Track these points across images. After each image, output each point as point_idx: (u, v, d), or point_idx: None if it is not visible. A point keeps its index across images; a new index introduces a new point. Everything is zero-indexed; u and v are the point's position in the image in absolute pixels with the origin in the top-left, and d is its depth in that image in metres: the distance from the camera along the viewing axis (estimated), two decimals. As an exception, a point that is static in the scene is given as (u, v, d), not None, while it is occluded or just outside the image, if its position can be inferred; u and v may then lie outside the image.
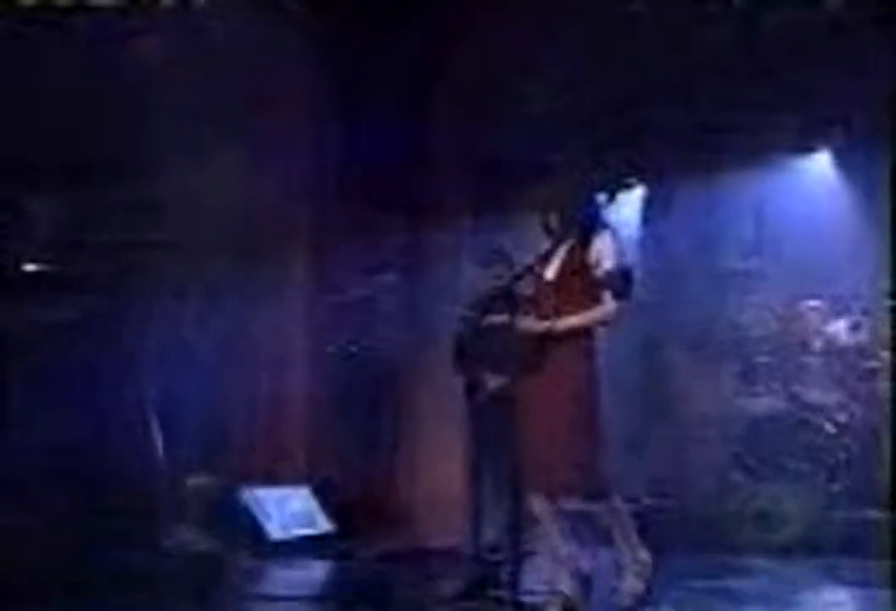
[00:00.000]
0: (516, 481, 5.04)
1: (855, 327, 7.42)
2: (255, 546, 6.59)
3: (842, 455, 6.99)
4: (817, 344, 7.51)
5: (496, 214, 7.64)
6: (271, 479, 7.03)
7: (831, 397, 7.25)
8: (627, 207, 8.72)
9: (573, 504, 5.03)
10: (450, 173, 8.29)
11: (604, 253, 4.86)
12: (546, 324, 4.90)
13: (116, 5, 6.67)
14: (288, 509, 6.93)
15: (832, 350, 7.42)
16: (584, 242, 4.92)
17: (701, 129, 8.02)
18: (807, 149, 8.25)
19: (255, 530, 6.68)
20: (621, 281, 4.83)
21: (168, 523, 6.30)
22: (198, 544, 6.27)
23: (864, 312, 7.48)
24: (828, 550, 6.45)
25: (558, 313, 4.90)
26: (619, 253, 4.91)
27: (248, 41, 7.15)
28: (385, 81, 7.74)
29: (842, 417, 7.17)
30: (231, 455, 7.03)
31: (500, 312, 5.24)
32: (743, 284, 7.98)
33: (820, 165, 8.47)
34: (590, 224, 4.98)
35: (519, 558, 5.20)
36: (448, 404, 6.77)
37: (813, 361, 7.40)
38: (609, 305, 4.84)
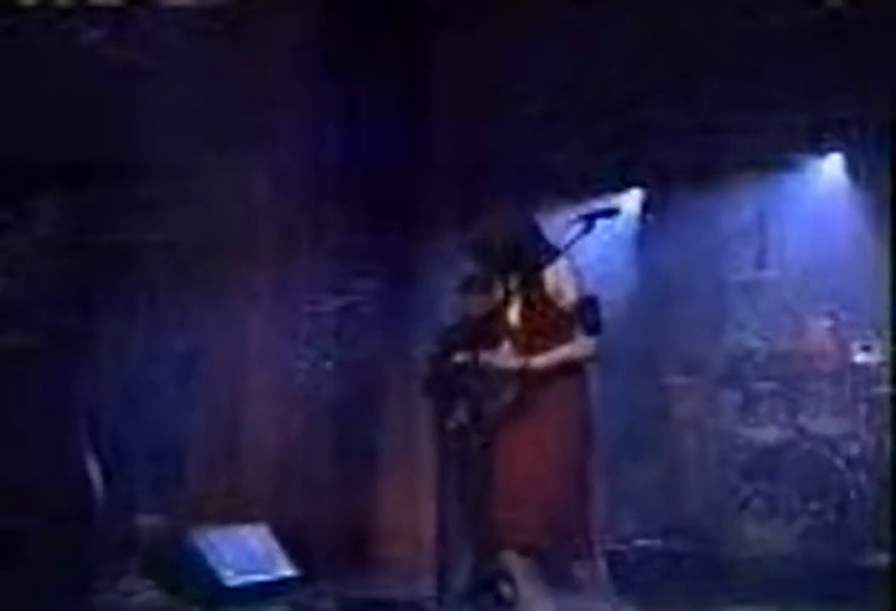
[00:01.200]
0: (482, 534, 4.58)
1: (866, 349, 6.89)
2: (209, 595, 6.06)
3: (852, 493, 6.48)
4: (826, 367, 6.97)
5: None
6: (228, 518, 6.50)
7: (840, 427, 6.73)
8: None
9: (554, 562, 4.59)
10: (440, 179, 7.83)
11: (561, 284, 4.50)
12: (520, 360, 4.53)
13: (116, 5, 6.42)
14: (245, 552, 6.36)
15: (842, 374, 6.87)
16: (537, 272, 4.54)
17: (702, 129, 7.52)
18: (817, 150, 7.77)
19: (208, 577, 6.10)
20: (589, 313, 4.46)
21: (106, 572, 5.80)
22: (141, 596, 5.77)
23: (878, 333, 6.95)
24: (833, 601, 5.90)
25: (531, 350, 4.52)
26: (579, 282, 4.54)
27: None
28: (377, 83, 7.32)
29: (852, 450, 6.65)
30: (183, 492, 6.53)
31: (467, 348, 4.78)
32: (747, 299, 7.49)
33: (831, 167, 8.01)
34: (538, 254, 4.57)
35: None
36: (427, 432, 6.41)
37: (821, 387, 6.84)
38: (583, 340, 4.49)
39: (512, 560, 4.55)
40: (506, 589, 5.20)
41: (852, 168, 7.69)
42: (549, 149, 7.56)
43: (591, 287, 4.60)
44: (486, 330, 4.82)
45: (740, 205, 7.72)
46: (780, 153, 7.58)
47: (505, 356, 4.61)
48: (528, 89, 7.61)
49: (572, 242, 4.44)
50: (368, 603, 5.93)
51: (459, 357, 4.78)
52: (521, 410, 4.53)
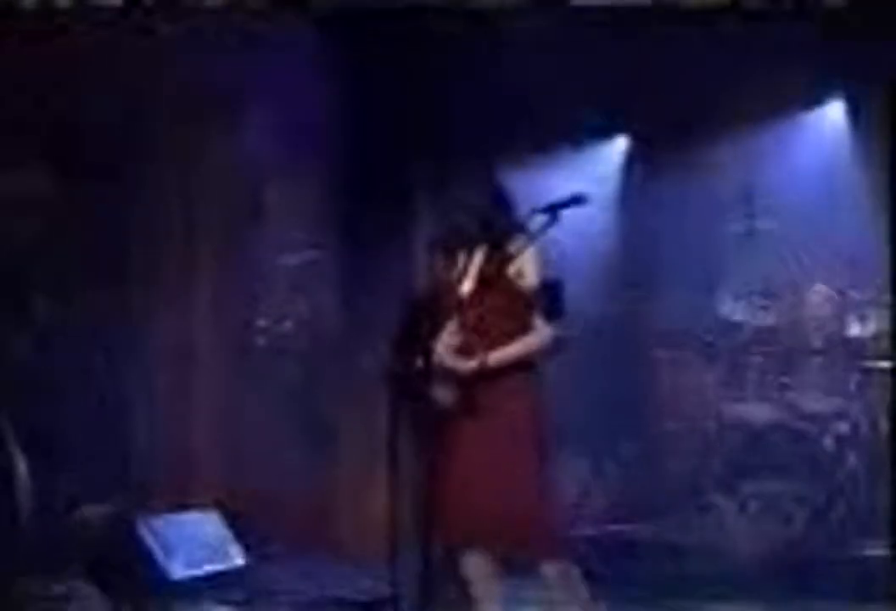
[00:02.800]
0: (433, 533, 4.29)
1: (862, 320, 6.52)
2: (155, 591, 5.76)
3: (841, 476, 6.16)
4: (819, 340, 6.63)
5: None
6: (176, 504, 6.19)
7: (831, 404, 6.39)
8: (604, 163, 7.90)
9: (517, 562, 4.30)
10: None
11: (524, 263, 4.17)
12: (474, 363, 4.20)
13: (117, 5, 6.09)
14: (195, 541, 6.03)
15: (835, 347, 6.53)
16: (500, 248, 4.29)
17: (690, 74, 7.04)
18: (818, 99, 7.31)
19: (154, 570, 5.78)
20: (550, 299, 4.18)
21: (39, 571, 5.47)
22: (79, 594, 5.48)
23: (876, 301, 6.55)
24: (822, 594, 5.59)
25: (482, 334, 4.24)
26: (543, 264, 4.23)
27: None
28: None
29: (843, 428, 6.32)
30: (126, 477, 6.21)
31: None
32: (738, 259, 7.09)
33: (833, 115, 7.56)
34: (505, 227, 4.30)
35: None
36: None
37: (812, 361, 6.52)
38: (543, 330, 4.20)
39: (471, 563, 4.31)
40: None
41: (853, 115, 7.33)
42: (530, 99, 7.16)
43: (555, 272, 4.28)
44: (435, 308, 4.48)
45: (734, 156, 7.34)
46: (778, 99, 7.18)
47: (456, 357, 4.28)
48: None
49: (538, 233, 4.11)
50: (322, 601, 5.66)
51: (413, 355, 4.44)
52: (469, 407, 4.22)
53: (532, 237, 4.13)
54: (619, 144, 7.88)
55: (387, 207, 6.95)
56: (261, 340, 7.35)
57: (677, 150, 7.26)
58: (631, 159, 7.67)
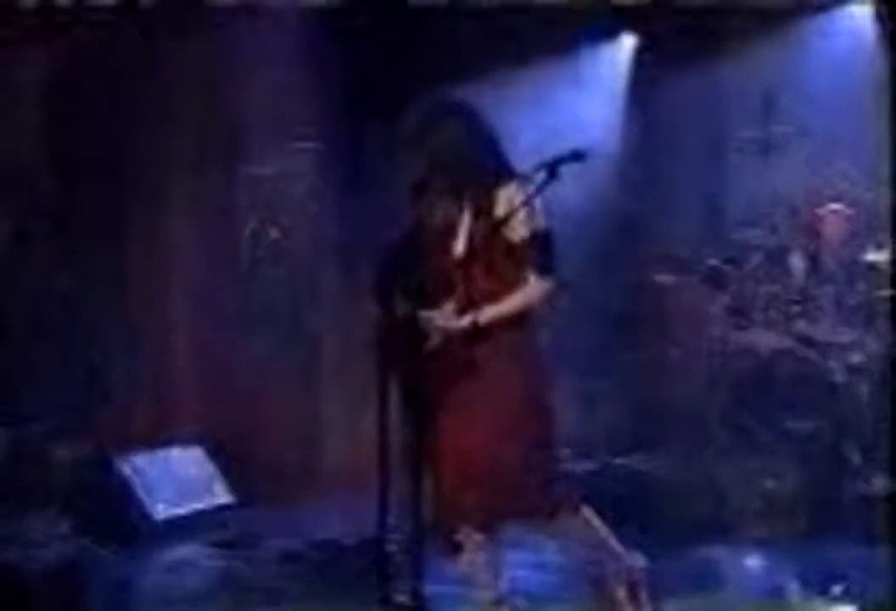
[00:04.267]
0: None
1: (880, 246, 6.22)
2: (136, 532, 5.64)
3: (851, 409, 5.95)
4: (831, 263, 6.33)
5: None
6: (157, 440, 6.03)
7: (843, 334, 6.13)
8: (610, 63, 7.51)
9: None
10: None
11: (514, 211, 3.96)
12: (465, 320, 3.99)
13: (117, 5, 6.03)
14: (177, 479, 5.93)
15: (850, 273, 6.23)
16: (488, 198, 4.02)
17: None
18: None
19: (135, 510, 5.69)
20: (540, 251, 3.99)
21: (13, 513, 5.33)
22: (58, 536, 5.33)
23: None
24: (829, 537, 5.47)
25: (476, 297, 3.99)
26: (533, 214, 4.01)
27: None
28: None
29: (855, 359, 6.07)
30: (105, 413, 6.00)
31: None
32: (749, 169, 6.74)
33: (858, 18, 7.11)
34: (493, 173, 4.04)
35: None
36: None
37: (825, 286, 6.18)
38: (535, 284, 4.03)
39: (464, 531, 4.11)
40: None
41: (880, 21, 6.88)
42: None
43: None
44: (430, 269, 4.23)
45: (749, 57, 6.95)
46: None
47: (447, 314, 4.04)
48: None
49: (535, 192, 3.85)
50: (311, 544, 5.52)
51: (400, 309, 4.20)
52: (462, 365, 4.01)
53: (530, 196, 3.87)
54: (626, 44, 7.58)
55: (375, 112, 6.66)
56: (245, 259, 7.15)
57: (687, 52, 6.91)
58: (638, 62, 7.34)
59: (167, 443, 6.04)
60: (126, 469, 5.79)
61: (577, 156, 3.73)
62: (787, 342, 6.13)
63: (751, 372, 6.11)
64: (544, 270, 3.96)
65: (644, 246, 6.74)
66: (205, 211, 6.71)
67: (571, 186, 3.99)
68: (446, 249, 4.12)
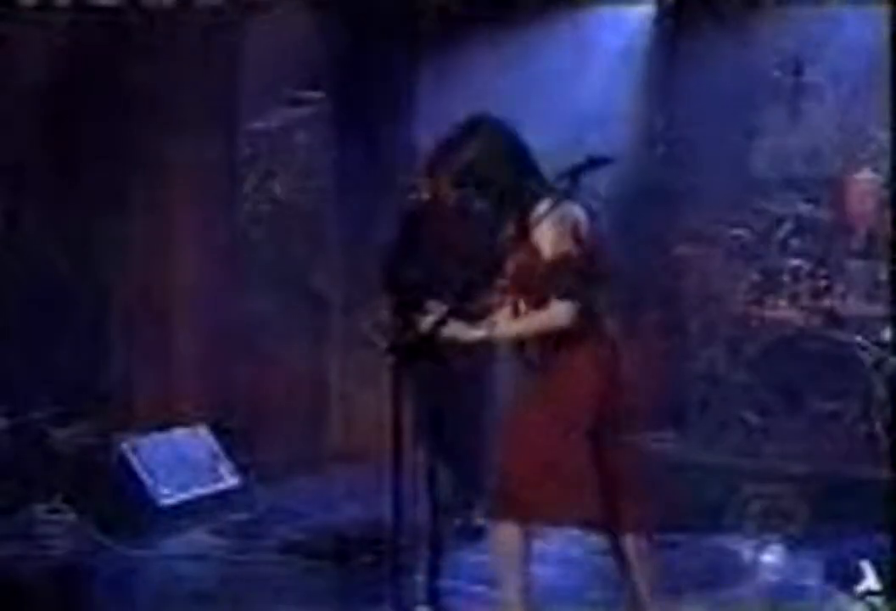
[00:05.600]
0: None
1: (911, 215, 6.00)
2: (141, 519, 5.47)
3: (880, 388, 5.80)
4: (862, 235, 6.14)
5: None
6: (160, 421, 5.85)
7: (873, 309, 5.96)
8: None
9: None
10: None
11: (542, 235, 3.84)
12: (480, 332, 3.93)
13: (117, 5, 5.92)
14: (183, 462, 5.76)
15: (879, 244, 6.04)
16: (522, 217, 3.89)
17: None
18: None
19: (140, 497, 5.53)
20: (565, 274, 3.83)
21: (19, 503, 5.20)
22: (56, 526, 5.22)
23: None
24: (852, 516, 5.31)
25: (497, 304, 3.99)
26: (563, 231, 3.85)
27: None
28: None
29: (885, 335, 5.88)
30: (106, 394, 5.83)
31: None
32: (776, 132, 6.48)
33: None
34: (524, 190, 3.90)
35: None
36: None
37: (851, 260, 6.03)
38: (556, 307, 3.88)
39: (504, 533, 4.01)
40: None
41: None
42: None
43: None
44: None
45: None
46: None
47: (461, 326, 3.91)
48: None
49: (557, 202, 3.71)
50: (319, 533, 5.41)
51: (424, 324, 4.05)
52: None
53: (552, 206, 3.73)
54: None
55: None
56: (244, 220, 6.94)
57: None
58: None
59: (170, 424, 5.89)
60: (130, 454, 5.63)
61: (596, 162, 3.61)
62: (814, 319, 6.03)
63: (776, 349, 6.02)
64: (568, 294, 3.83)
65: (666, 216, 6.54)
66: (204, 169, 6.50)
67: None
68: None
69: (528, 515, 3.98)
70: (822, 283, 6.01)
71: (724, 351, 6.08)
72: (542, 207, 3.81)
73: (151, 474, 5.69)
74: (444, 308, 3.88)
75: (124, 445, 5.68)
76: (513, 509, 3.98)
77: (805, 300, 6.02)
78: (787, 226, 6.13)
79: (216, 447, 5.97)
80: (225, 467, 5.95)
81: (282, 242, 6.93)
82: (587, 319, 3.92)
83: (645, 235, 6.37)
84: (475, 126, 3.93)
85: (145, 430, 5.81)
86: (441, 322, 3.78)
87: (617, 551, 4.04)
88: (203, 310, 6.31)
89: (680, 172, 6.57)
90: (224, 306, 6.37)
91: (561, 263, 3.80)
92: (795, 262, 6.09)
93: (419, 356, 3.90)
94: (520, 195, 3.87)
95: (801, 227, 6.13)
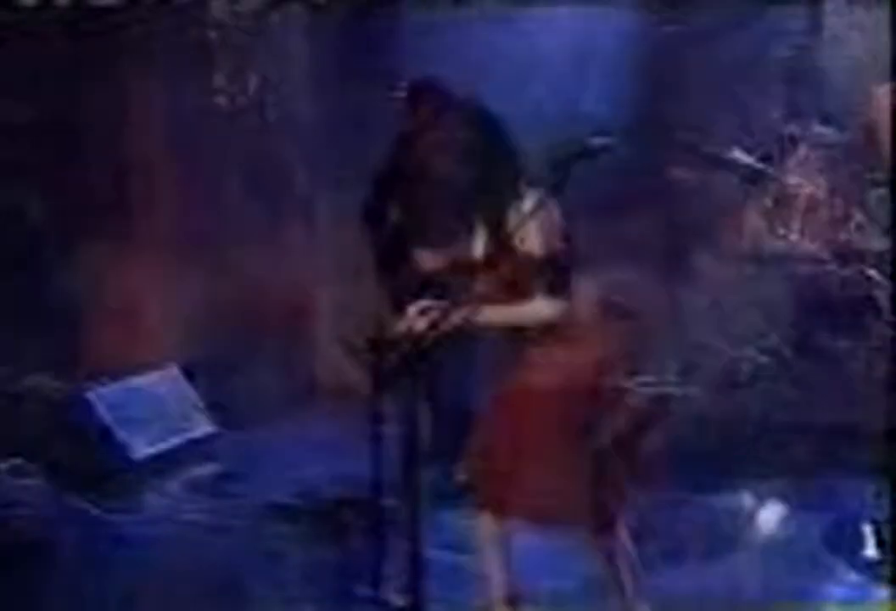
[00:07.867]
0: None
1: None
2: (114, 474, 5.26)
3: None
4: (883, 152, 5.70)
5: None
6: (130, 367, 5.56)
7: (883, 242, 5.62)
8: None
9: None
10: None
11: (529, 229, 3.76)
12: (458, 318, 3.75)
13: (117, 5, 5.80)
14: (156, 409, 5.54)
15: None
16: (501, 210, 3.84)
17: None
18: None
19: (113, 451, 5.30)
20: (552, 271, 3.81)
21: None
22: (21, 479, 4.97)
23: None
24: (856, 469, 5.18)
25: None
26: (551, 227, 3.80)
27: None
28: None
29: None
30: (73, 340, 5.51)
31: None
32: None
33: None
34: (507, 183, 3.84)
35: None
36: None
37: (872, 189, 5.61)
38: (540, 303, 3.85)
39: (485, 525, 3.97)
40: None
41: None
42: None
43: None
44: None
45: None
46: None
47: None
48: None
49: (548, 194, 3.59)
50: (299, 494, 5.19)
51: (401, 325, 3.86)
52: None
53: (541, 200, 3.61)
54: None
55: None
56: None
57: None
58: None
59: (141, 368, 5.63)
60: (99, 405, 5.38)
61: (589, 152, 3.42)
62: (826, 253, 5.73)
63: (788, 286, 5.74)
64: (554, 290, 3.78)
65: (670, 139, 6.11)
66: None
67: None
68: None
69: (509, 512, 3.91)
70: (839, 213, 5.76)
71: (732, 289, 5.76)
72: (527, 204, 3.71)
73: (124, 425, 5.45)
74: (438, 303, 3.82)
75: (92, 395, 5.45)
76: (492, 504, 3.93)
77: (819, 231, 5.77)
78: (802, 149, 5.78)
79: (190, 391, 5.74)
80: (199, 412, 5.71)
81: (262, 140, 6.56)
82: (572, 315, 3.84)
83: (647, 161, 5.98)
84: (459, 118, 3.80)
85: (113, 375, 5.57)
86: (433, 327, 3.61)
87: (599, 550, 3.98)
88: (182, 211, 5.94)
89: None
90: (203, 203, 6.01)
91: (550, 258, 3.73)
92: (809, 189, 5.77)
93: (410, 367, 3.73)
94: (498, 192, 3.78)
95: (819, 147, 5.75)
